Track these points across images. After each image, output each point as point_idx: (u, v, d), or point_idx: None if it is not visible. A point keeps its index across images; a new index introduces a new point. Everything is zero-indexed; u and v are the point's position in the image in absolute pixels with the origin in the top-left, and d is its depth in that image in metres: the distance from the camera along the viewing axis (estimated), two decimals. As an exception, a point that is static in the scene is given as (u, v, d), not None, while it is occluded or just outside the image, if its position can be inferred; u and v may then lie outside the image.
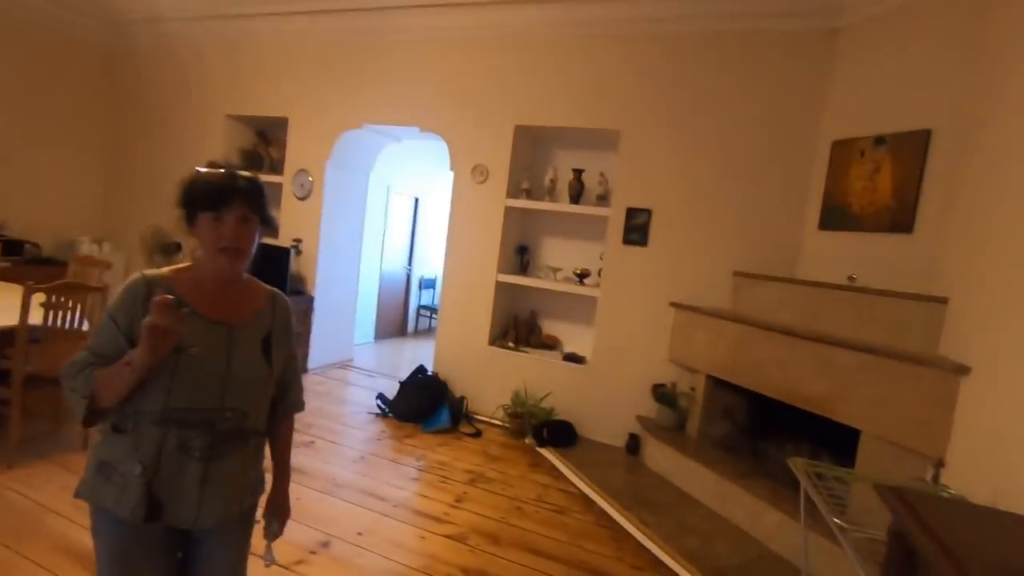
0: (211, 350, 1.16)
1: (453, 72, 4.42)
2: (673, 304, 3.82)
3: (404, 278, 7.44)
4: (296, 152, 5.06)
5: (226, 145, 5.40)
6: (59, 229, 5.70)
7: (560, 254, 4.57)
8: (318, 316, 5.08)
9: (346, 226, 5.32)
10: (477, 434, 4.05)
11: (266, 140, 5.54)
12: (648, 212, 3.92)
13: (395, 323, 7.37)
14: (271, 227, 1.24)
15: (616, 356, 4.04)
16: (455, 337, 4.51)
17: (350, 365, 5.54)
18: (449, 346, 4.54)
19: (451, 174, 4.55)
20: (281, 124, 5.19)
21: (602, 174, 4.16)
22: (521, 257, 4.58)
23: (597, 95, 4.02)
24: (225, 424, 1.17)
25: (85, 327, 2.99)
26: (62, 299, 2.80)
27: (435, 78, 4.49)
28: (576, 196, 4.24)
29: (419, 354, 6.54)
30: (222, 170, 1.16)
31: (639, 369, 3.96)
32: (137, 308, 1.12)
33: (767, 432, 3.45)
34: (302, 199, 5.03)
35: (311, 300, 5.01)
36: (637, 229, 3.95)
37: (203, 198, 1.13)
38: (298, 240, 5.01)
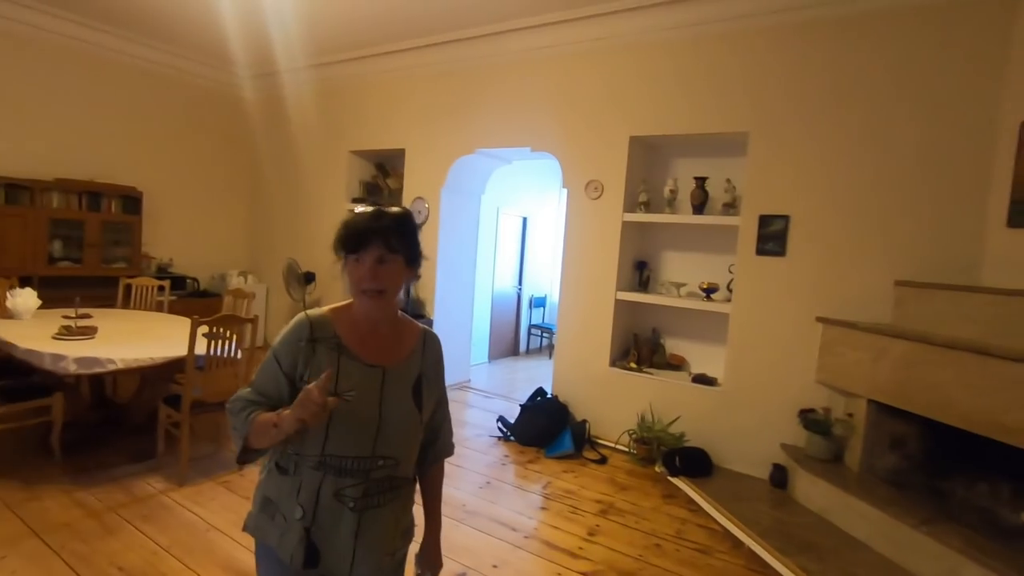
0: (365, 395, 1.14)
1: (563, 89, 4.38)
2: (821, 319, 3.42)
3: (515, 298, 7.47)
4: (413, 181, 5.27)
5: (350, 179, 5.77)
6: (212, 265, 6.40)
7: (683, 268, 4.30)
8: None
9: (460, 249, 5.43)
10: (602, 460, 3.87)
11: (385, 172, 5.84)
12: (785, 219, 3.57)
13: (508, 343, 7.40)
14: (417, 265, 1.18)
15: (753, 377, 3.69)
16: (574, 358, 4.39)
17: (468, 386, 5.60)
18: (568, 368, 4.42)
19: (560, 192, 4.48)
20: (399, 156, 5.44)
21: (728, 181, 3.87)
22: (640, 273, 4.38)
23: (718, 97, 3.76)
24: (378, 472, 1.15)
25: (238, 355, 3.25)
26: (221, 330, 3.07)
27: (545, 97, 4.47)
28: (700, 206, 3.97)
29: (533, 374, 6.50)
30: (369, 210, 1.14)
31: (781, 392, 3.58)
32: (300, 349, 1.14)
33: (949, 467, 2.94)
34: (419, 226, 5.20)
35: (430, 323, 5.15)
36: (773, 238, 3.60)
37: (344, 240, 1.13)
38: (417, 265, 5.18)
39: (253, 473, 3.22)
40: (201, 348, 3.01)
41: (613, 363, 4.25)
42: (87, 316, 3.54)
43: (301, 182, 6.19)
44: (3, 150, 4.74)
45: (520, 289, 7.52)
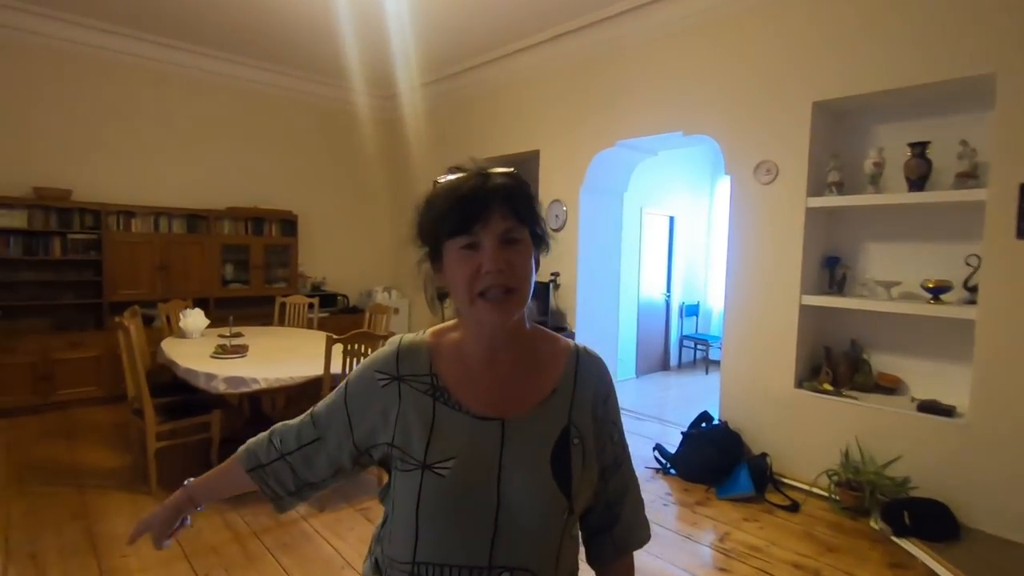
0: (473, 468, 0.75)
1: (722, 57, 3.70)
2: None
3: (663, 306, 6.75)
4: (549, 183, 4.91)
5: (484, 188, 5.58)
6: (361, 281, 6.63)
7: (893, 263, 3.36)
8: (580, 353, 4.74)
9: (603, 254, 4.94)
10: (793, 507, 3.10)
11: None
12: (1065, 186, 2.55)
13: (657, 356, 6.70)
14: (546, 248, 0.82)
15: (1017, 407, 2.68)
16: (747, 377, 3.65)
17: (615, 405, 5.05)
18: (739, 388, 3.69)
19: (715, 183, 3.78)
20: (533, 159, 5.12)
21: (964, 144, 2.91)
22: (832, 272, 3.52)
23: (941, 34, 2.84)
24: None
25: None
26: (357, 347, 2.93)
27: (698, 71, 3.83)
28: (919, 180, 3.05)
29: (687, 392, 5.75)
30: (465, 173, 0.78)
31: (1069, 429, 2.54)
32: (377, 392, 0.81)
33: None
34: (557, 230, 4.82)
35: (572, 336, 4.70)
36: (1044, 214, 2.60)
37: (444, 217, 0.75)
38: (556, 273, 4.80)
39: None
40: (337, 366, 2.89)
41: (800, 384, 3.43)
42: (239, 335, 3.66)
43: (438, 195, 6.15)
44: (185, 185, 5.27)
45: (669, 296, 6.79)
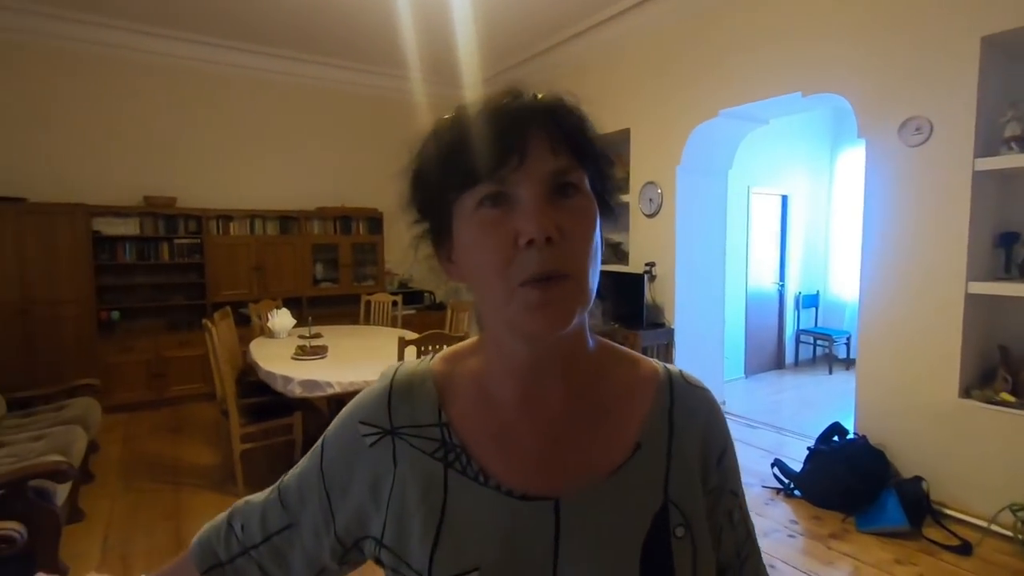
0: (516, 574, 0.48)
1: (850, -2, 3.07)
2: None
3: (776, 297, 6.01)
4: (641, 164, 4.45)
5: (570, 174, 5.22)
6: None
7: (1102, 238, 2.58)
8: (681, 351, 4.25)
9: (704, 240, 4.39)
10: (964, 548, 2.46)
11: (609, 161, 5.14)
12: None
13: (768, 354, 5.98)
14: (612, 213, 0.53)
15: None
16: (892, 383, 3.01)
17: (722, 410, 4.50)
18: (882, 396, 3.05)
19: (832, 157, 3.13)
20: (622, 139, 4.68)
21: None
22: (1008, 252, 2.79)
23: None
24: None
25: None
26: (432, 348, 2.72)
27: (820, 13, 3.21)
28: None
29: (807, 394, 5.04)
30: (490, 97, 0.49)
31: None
32: (360, 455, 0.54)
33: None
34: (651, 216, 4.36)
35: (671, 333, 4.23)
36: None
37: (450, 158, 0.48)
38: (651, 264, 4.34)
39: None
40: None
41: (967, 392, 2.76)
42: (318, 336, 3.60)
43: (522, 185, 5.89)
44: (277, 188, 5.41)
45: (782, 286, 6.02)
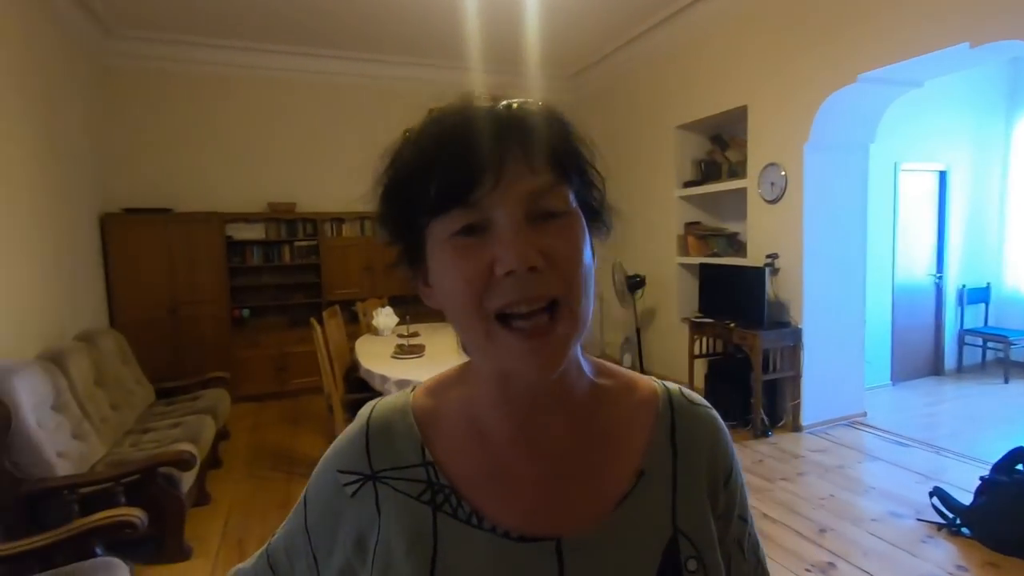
0: None
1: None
2: None
3: (932, 291, 5.13)
4: (761, 145, 3.97)
5: (679, 160, 4.84)
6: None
7: None
8: (810, 354, 3.74)
9: (840, 227, 3.82)
10: None
11: (722, 143, 4.68)
12: None
13: (923, 357, 5.12)
14: (606, 226, 0.48)
15: None
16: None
17: (861, 423, 3.90)
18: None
19: (1007, 123, 2.49)
20: (739, 117, 4.22)
21: None
22: None
23: None
24: None
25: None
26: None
27: (995, -53, 2.60)
28: None
29: (974, 407, 4.24)
30: (461, 103, 0.45)
31: None
32: (341, 501, 0.49)
33: None
34: (773, 202, 3.87)
35: (798, 333, 3.73)
36: None
37: (420, 177, 0.42)
38: (773, 255, 3.86)
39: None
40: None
41: None
42: (416, 334, 3.62)
43: (624, 175, 5.58)
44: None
45: (941, 278, 5.13)
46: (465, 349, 0.48)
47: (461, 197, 0.40)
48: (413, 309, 5.08)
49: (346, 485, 0.49)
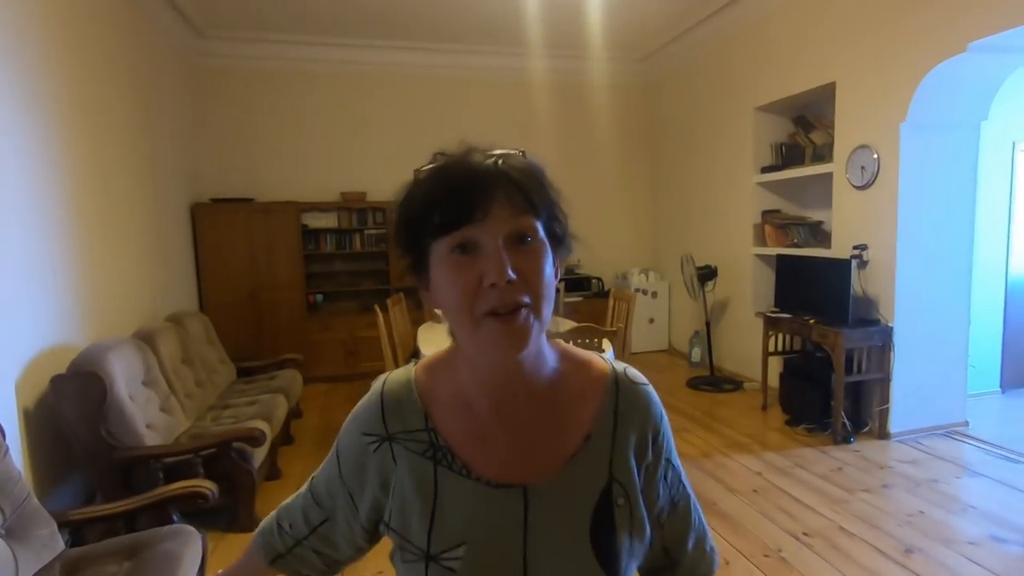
0: (491, 553, 0.59)
1: None
2: None
3: (1055, 288, 4.52)
4: (850, 125, 3.64)
5: (757, 144, 4.54)
6: (617, 263, 6.23)
7: None
8: (901, 355, 3.41)
9: (941, 214, 3.43)
10: None
11: (806, 125, 4.34)
12: None
13: (1041, 362, 4.55)
14: (568, 249, 0.63)
15: None
16: None
17: (962, 433, 3.52)
18: None
19: None
20: (824, 97, 3.89)
21: None
22: None
23: None
24: None
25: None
26: (582, 342, 2.53)
27: None
28: None
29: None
30: (459, 154, 0.58)
31: None
32: (368, 457, 0.64)
33: None
34: (862, 188, 3.54)
35: (888, 332, 3.41)
36: None
37: (426, 212, 0.56)
38: (861, 247, 3.54)
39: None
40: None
41: None
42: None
43: (696, 160, 5.31)
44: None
45: (1066, 273, 4.51)
46: (453, 336, 0.61)
47: (459, 224, 0.54)
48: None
49: (369, 444, 0.64)
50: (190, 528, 1.89)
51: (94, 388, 2.33)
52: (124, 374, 2.55)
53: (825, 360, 3.52)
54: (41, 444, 2.39)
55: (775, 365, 4.09)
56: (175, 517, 1.98)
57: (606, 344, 2.61)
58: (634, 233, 6.33)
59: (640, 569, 0.69)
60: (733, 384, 4.62)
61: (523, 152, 0.61)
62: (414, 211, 0.57)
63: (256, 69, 5.12)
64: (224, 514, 2.60)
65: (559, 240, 0.60)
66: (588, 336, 2.47)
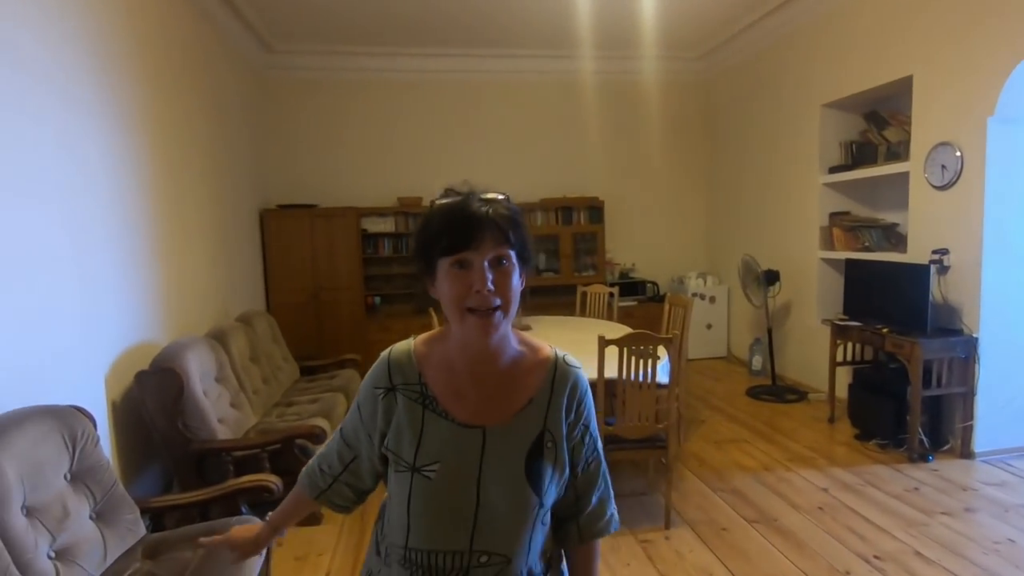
0: (457, 470, 0.84)
1: None
2: None
3: None
4: (929, 121, 3.41)
5: (823, 143, 4.32)
6: (673, 267, 6.09)
7: None
8: (988, 368, 3.16)
9: (1034, 218, 3.16)
10: None
11: (879, 122, 4.09)
12: None
13: None
14: (529, 271, 0.87)
15: None
16: None
17: (1060, 454, 3.22)
18: None
19: None
20: (900, 91, 3.66)
21: None
22: None
23: None
24: (480, 572, 0.85)
25: (664, 379, 2.59)
26: (638, 349, 2.48)
27: None
28: None
29: None
30: (460, 196, 0.84)
31: None
32: (378, 401, 0.89)
33: None
34: (943, 188, 3.31)
35: (972, 343, 3.16)
36: None
37: (437, 237, 0.81)
38: (941, 251, 3.30)
39: (679, 540, 2.48)
40: (612, 370, 2.50)
41: None
42: (527, 328, 3.63)
43: (759, 161, 5.12)
44: (503, 182, 5.66)
45: None
46: (447, 320, 0.85)
47: (460, 248, 0.78)
48: (529, 301, 5.13)
49: (379, 394, 0.88)
50: (257, 519, 1.98)
51: (172, 383, 2.50)
52: (199, 371, 2.72)
53: (900, 372, 3.31)
54: (125, 435, 2.58)
55: (843, 376, 3.87)
56: (243, 508, 2.09)
57: (661, 351, 2.55)
58: (691, 236, 6.16)
59: (556, 514, 0.93)
60: (796, 394, 4.42)
61: (507, 196, 0.85)
62: (430, 236, 0.81)
63: (319, 80, 5.34)
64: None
65: (526, 260, 0.84)
66: (642, 343, 2.41)
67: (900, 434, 3.32)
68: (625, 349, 2.43)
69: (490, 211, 0.79)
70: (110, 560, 1.72)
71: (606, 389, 2.50)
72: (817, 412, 4.05)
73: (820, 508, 2.71)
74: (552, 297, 5.55)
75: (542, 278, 5.65)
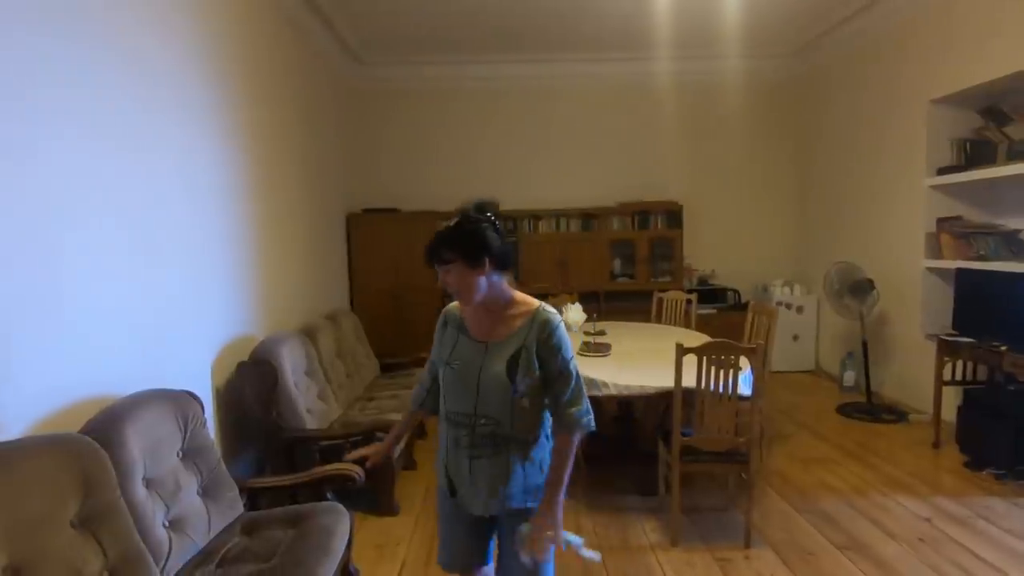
0: (470, 365, 1.43)
1: None
2: None
3: None
4: (1060, 116, 3.05)
5: (933, 141, 3.97)
6: (757, 274, 5.81)
7: None
8: None
9: None
10: None
11: (999, 117, 3.70)
12: None
13: None
14: (480, 264, 1.36)
15: None
16: None
17: None
18: None
19: None
20: (1019, 86, 3.30)
21: None
22: None
23: None
24: (481, 429, 1.42)
25: (745, 391, 2.49)
26: (719, 358, 2.39)
27: None
28: None
29: None
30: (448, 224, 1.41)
31: None
32: (440, 329, 1.55)
33: None
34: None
35: (1112, 366, 2.79)
36: None
37: (430, 252, 1.40)
38: (1073, 261, 2.94)
39: (759, 561, 2.37)
40: (691, 379, 2.42)
41: None
42: (602, 333, 3.59)
43: (855, 162, 4.78)
44: (579, 187, 5.69)
45: None
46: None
47: (431, 262, 1.40)
48: (609, 305, 5.09)
49: (441, 326, 1.54)
50: (340, 506, 2.10)
51: (269, 375, 2.69)
52: (291, 364, 2.91)
53: (1020, 394, 2.98)
54: (226, 419, 2.81)
55: (951, 396, 3.53)
56: (328, 495, 2.22)
57: (743, 363, 2.44)
58: (777, 242, 5.85)
59: (549, 410, 1.46)
60: (895, 414, 4.08)
61: (468, 215, 1.39)
62: (428, 250, 1.38)
63: (403, 90, 5.58)
64: (364, 497, 2.84)
65: (476, 258, 1.35)
66: (723, 353, 2.32)
67: (1020, 464, 2.98)
68: (705, 358, 2.35)
69: (433, 245, 1.36)
70: (213, 533, 1.88)
71: (684, 399, 2.43)
72: (919, 435, 3.71)
73: (921, 539, 2.49)
74: (627, 302, 5.45)
75: (617, 283, 5.57)
